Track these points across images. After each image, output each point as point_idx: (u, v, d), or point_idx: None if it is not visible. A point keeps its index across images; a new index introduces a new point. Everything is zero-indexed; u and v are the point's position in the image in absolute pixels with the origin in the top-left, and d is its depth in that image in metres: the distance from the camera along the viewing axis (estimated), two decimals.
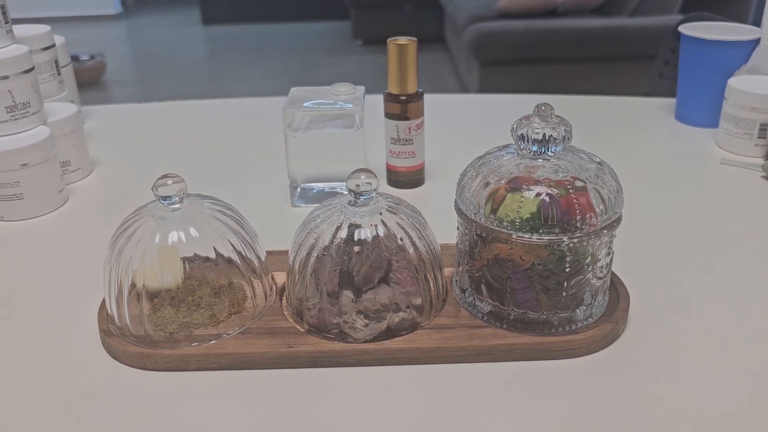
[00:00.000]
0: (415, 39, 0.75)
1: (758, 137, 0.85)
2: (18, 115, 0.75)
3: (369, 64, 4.01)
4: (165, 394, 0.49)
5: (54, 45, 0.90)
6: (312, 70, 3.98)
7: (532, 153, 0.50)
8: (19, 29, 0.86)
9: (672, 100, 1.04)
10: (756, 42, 0.92)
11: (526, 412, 0.47)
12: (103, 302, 0.55)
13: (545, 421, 0.46)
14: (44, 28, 0.88)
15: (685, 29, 0.95)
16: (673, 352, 0.52)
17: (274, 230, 0.65)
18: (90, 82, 3.59)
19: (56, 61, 0.90)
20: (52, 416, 0.47)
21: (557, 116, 0.50)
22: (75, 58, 3.50)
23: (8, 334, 0.56)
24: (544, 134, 0.49)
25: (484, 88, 2.98)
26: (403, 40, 0.74)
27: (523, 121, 0.50)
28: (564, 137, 0.50)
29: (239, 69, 4.01)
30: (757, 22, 0.96)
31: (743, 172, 0.83)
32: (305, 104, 0.74)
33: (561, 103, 1.10)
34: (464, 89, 3.36)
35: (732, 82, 0.87)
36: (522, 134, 0.50)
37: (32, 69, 0.77)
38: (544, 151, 0.50)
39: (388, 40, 0.75)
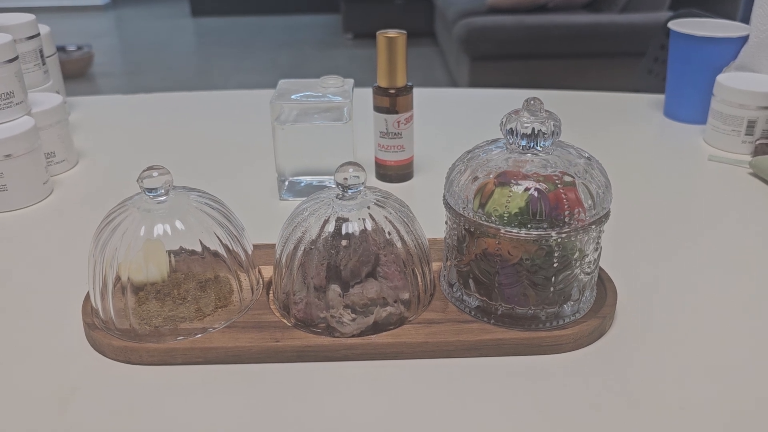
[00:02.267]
0: (404, 32, 0.74)
1: (746, 134, 0.85)
2: (1, 105, 0.73)
3: (359, 58, 4.00)
4: (150, 389, 0.48)
5: (39, 34, 0.89)
6: (302, 63, 3.97)
7: (520, 147, 0.50)
8: (2, 18, 0.85)
9: (661, 97, 1.05)
10: (745, 39, 0.92)
11: (513, 407, 0.46)
12: (88, 295, 0.54)
13: (532, 415, 0.46)
14: (29, 17, 0.87)
15: (675, 25, 0.95)
16: (659, 348, 0.52)
17: (261, 223, 0.65)
18: (77, 73, 3.56)
19: (41, 51, 0.89)
20: (35, 411, 0.46)
21: (546, 111, 0.50)
22: (62, 50, 3.47)
23: None
24: (533, 129, 0.49)
25: (474, 83, 2.98)
26: (392, 32, 0.74)
27: (513, 116, 0.50)
28: (553, 132, 0.50)
29: (228, 62, 3.99)
30: (746, 19, 0.96)
31: (731, 168, 0.83)
32: (293, 96, 0.74)
33: (550, 98, 1.10)
34: (454, 84, 3.36)
35: (720, 78, 0.87)
36: (511, 128, 0.50)
37: (16, 58, 0.75)
38: (533, 145, 0.50)
39: (377, 33, 0.74)
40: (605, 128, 0.98)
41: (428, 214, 0.61)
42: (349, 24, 4.40)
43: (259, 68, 3.85)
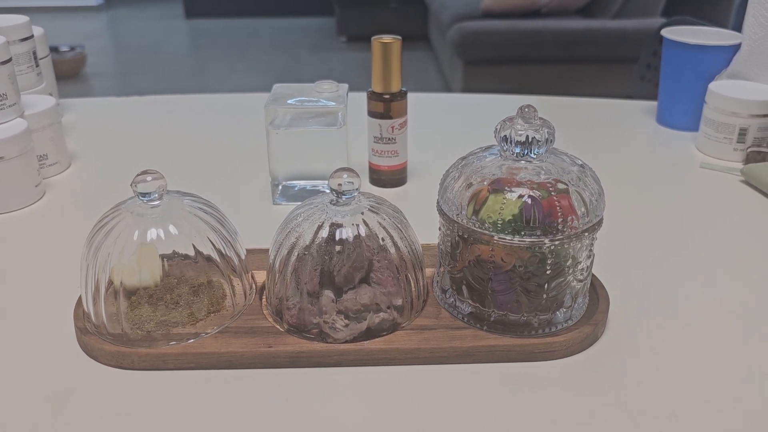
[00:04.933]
0: (399, 38, 0.74)
1: (737, 142, 0.86)
2: None
3: (353, 61, 4.00)
4: (142, 394, 0.48)
5: (32, 36, 0.88)
6: (296, 66, 3.96)
7: (514, 155, 0.50)
8: None
9: (653, 103, 1.05)
10: (737, 47, 0.93)
11: (506, 414, 0.46)
12: (80, 299, 0.54)
13: (524, 422, 0.46)
14: (22, 18, 0.87)
15: (668, 33, 0.96)
16: (651, 355, 0.52)
17: (254, 228, 0.65)
18: (70, 74, 3.54)
19: (34, 53, 0.89)
20: (27, 415, 0.46)
21: (540, 118, 0.50)
22: (55, 50, 3.46)
23: None
24: (527, 136, 0.49)
25: (468, 88, 2.99)
26: (387, 38, 0.74)
27: (507, 123, 0.50)
28: (547, 139, 0.50)
29: (222, 64, 3.98)
30: (737, 27, 0.97)
31: (722, 176, 0.84)
32: (288, 101, 0.74)
33: (543, 104, 1.11)
34: (448, 88, 3.36)
35: (713, 86, 0.88)
36: (505, 136, 0.50)
37: (9, 60, 0.75)
38: (527, 153, 0.50)
39: (372, 39, 0.74)
40: (598, 134, 0.98)
41: (421, 220, 0.61)
42: (343, 27, 4.40)
43: (253, 70, 3.85)
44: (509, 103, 1.13)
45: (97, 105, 1.13)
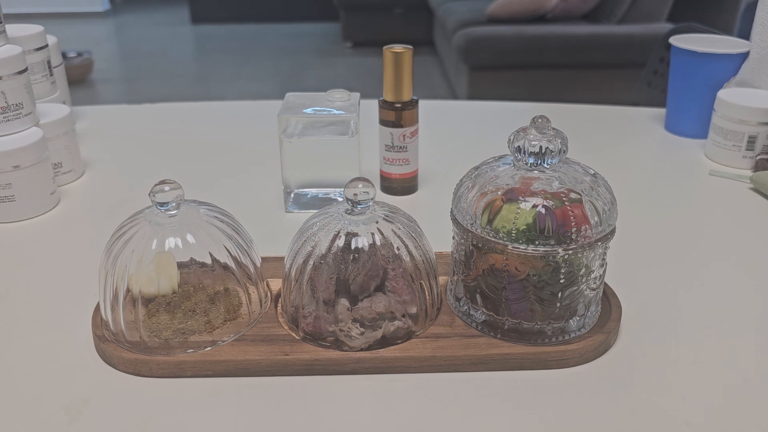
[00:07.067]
0: (410, 47, 0.75)
1: (746, 149, 0.86)
2: (11, 116, 0.74)
3: (358, 67, 4.01)
4: (160, 401, 0.49)
5: (47, 45, 0.89)
6: (301, 71, 3.98)
7: (528, 165, 0.51)
8: (12, 29, 0.85)
9: (662, 110, 1.06)
10: (745, 55, 0.93)
11: (519, 422, 0.47)
12: (98, 307, 0.55)
13: (538, 430, 0.46)
14: (37, 28, 0.88)
15: (676, 41, 0.96)
16: (663, 363, 0.53)
17: (267, 235, 0.65)
18: (77, 79, 3.57)
19: (49, 62, 0.90)
20: (45, 422, 0.47)
21: (553, 129, 0.51)
22: (62, 56, 3.47)
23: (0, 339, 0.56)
24: (541, 147, 0.50)
25: (473, 93, 2.99)
26: (399, 47, 0.74)
27: (520, 133, 0.51)
28: (560, 149, 0.50)
29: (228, 69, 4.00)
30: (743, 33, 0.97)
31: (732, 183, 0.84)
32: (301, 110, 0.74)
33: (551, 111, 1.11)
34: (453, 94, 3.37)
35: (721, 94, 0.88)
36: (519, 146, 0.51)
37: (26, 70, 0.76)
38: (541, 163, 0.50)
39: (384, 48, 0.75)
40: (607, 142, 0.99)
41: (433, 228, 0.61)
42: (349, 33, 4.42)
43: (259, 76, 3.86)
44: (517, 110, 1.14)
45: (109, 112, 1.14)
